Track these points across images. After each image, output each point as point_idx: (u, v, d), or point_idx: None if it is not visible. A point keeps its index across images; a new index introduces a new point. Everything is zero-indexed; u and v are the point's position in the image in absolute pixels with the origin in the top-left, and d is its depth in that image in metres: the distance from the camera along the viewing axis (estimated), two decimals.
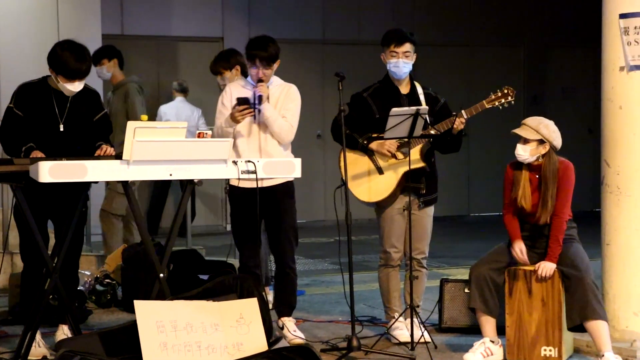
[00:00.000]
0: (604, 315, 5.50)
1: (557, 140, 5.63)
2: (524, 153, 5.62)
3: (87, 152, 5.71)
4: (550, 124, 5.65)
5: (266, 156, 5.88)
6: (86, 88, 5.82)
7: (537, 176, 5.67)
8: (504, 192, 5.80)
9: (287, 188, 6.08)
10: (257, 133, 6.00)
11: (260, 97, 5.90)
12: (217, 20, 12.69)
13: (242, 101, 5.84)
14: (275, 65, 6.01)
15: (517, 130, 5.62)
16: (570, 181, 5.68)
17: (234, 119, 5.85)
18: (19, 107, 5.67)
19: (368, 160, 6.12)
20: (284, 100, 6.03)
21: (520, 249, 5.68)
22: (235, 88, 6.08)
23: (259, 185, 5.62)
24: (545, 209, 5.63)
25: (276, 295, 6.26)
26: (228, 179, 6.00)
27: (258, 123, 5.97)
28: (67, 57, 5.56)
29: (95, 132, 5.84)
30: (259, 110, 5.90)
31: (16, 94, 5.73)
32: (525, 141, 5.61)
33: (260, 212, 5.86)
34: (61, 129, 5.72)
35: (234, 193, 6.04)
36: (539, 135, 5.59)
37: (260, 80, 5.94)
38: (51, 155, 5.47)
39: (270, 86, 6.04)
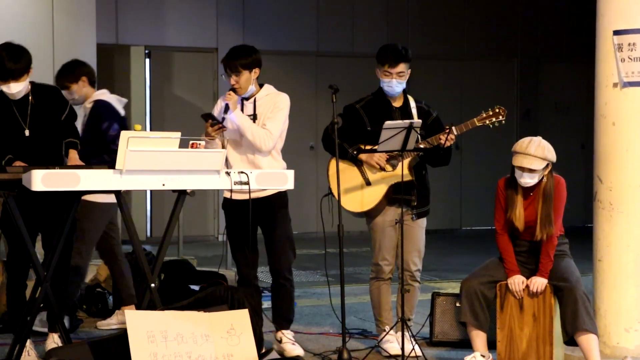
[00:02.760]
0: (594, 328, 5.50)
1: (555, 157, 5.62)
2: (532, 180, 5.59)
3: (57, 157, 5.70)
4: (547, 143, 5.60)
5: (254, 167, 5.84)
6: (44, 86, 5.77)
7: (531, 194, 5.66)
8: (496, 212, 5.77)
9: (280, 198, 6.03)
10: (241, 145, 5.96)
11: (226, 105, 5.88)
12: (212, 30, 12.70)
13: (206, 117, 5.83)
14: (252, 74, 5.92)
15: (526, 164, 5.51)
16: (562, 196, 5.69)
17: (207, 135, 5.82)
18: None
19: (357, 171, 6.13)
20: (270, 109, 5.98)
21: (518, 283, 5.65)
22: (222, 99, 6.06)
23: (254, 197, 5.67)
24: (544, 227, 5.60)
25: (273, 308, 6.17)
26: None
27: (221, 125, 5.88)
28: (1, 57, 5.47)
29: (64, 131, 5.79)
30: (224, 119, 5.85)
31: None
32: (532, 170, 5.58)
33: (255, 222, 5.86)
34: (27, 134, 5.67)
35: (227, 205, 6.02)
36: (546, 162, 5.56)
37: (233, 89, 5.91)
38: (21, 160, 5.52)
39: (259, 95, 5.99)
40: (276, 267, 6.08)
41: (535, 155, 5.52)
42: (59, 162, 5.69)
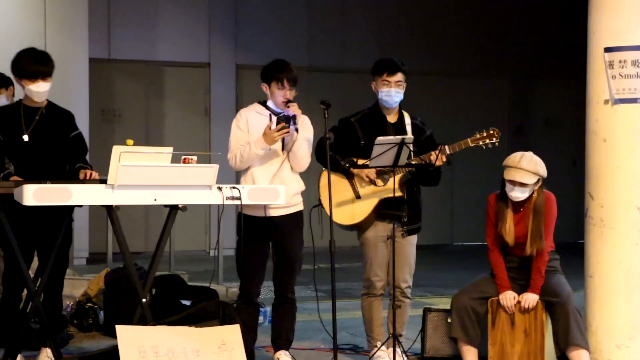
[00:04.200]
0: (586, 344, 5.51)
1: (546, 172, 5.65)
2: (523, 195, 5.61)
3: (58, 171, 5.74)
4: (538, 159, 5.64)
5: (280, 183, 5.78)
6: (59, 107, 5.93)
7: (521, 209, 5.68)
8: (487, 227, 5.79)
9: (297, 218, 5.97)
10: (273, 159, 5.88)
11: (294, 116, 5.77)
12: (204, 45, 12.72)
13: (283, 119, 5.70)
14: None
15: (518, 178, 5.54)
16: (552, 212, 5.70)
17: (271, 139, 5.71)
18: None
19: (347, 184, 6.13)
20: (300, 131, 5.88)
21: (510, 299, 5.65)
22: (250, 113, 5.94)
23: (270, 215, 5.74)
24: (534, 241, 5.62)
25: (273, 327, 6.09)
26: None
27: (282, 148, 5.86)
28: (26, 57, 5.73)
29: (70, 151, 5.86)
30: (297, 130, 5.77)
31: None
32: (523, 184, 5.59)
33: (269, 240, 5.85)
34: (25, 139, 5.74)
35: (241, 221, 5.88)
36: (537, 177, 5.59)
37: (289, 101, 5.84)
38: (19, 166, 5.61)
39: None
40: (282, 286, 6.01)
41: (527, 169, 5.54)
42: (58, 175, 5.71)
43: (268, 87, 5.89)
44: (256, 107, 5.98)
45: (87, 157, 5.99)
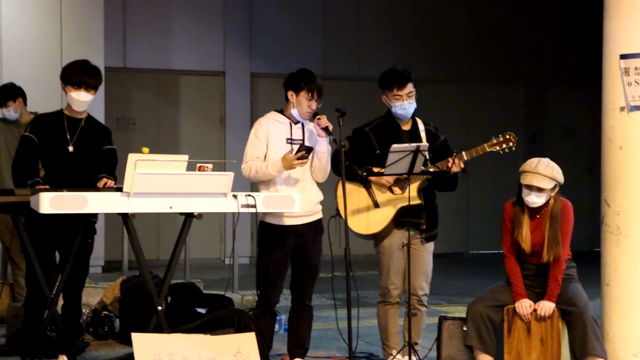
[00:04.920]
0: (604, 353, 5.48)
1: (562, 178, 5.63)
2: (539, 200, 5.59)
3: (93, 182, 5.85)
4: (555, 165, 5.63)
5: (302, 192, 5.79)
6: (98, 122, 6.11)
7: (537, 216, 5.66)
8: (504, 235, 5.77)
9: (319, 226, 5.99)
10: (300, 174, 5.87)
11: (326, 128, 5.77)
12: (219, 54, 12.75)
13: (304, 149, 5.67)
14: None
15: (535, 182, 5.52)
16: (569, 220, 5.68)
17: (289, 165, 5.68)
18: (33, 132, 5.88)
19: (365, 193, 6.12)
20: (314, 142, 5.89)
21: (526, 307, 5.64)
22: (270, 122, 5.91)
23: (294, 223, 5.76)
24: (551, 248, 5.60)
25: (290, 334, 6.08)
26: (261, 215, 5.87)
27: (311, 164, 5.86)
28: (75, 66, 5.91)
29: (101, 163, 5.94)
30: (335, 140, 5.76)
31: (31, 122, 6.00)
32: (540, 189, 5.58)
33: (290, 249, 5.86)
34: (70, 150, 5.86)
35: (263, 229, 5.91)
36: (554, 182, 5.57)
37: (316, 114, 5.84)
38: (60, 176, 5.71)
39: (307, 121, 5.94)
40: (300, 293, 6.01)
41: (544, 174, 5.53)
42: (93, 186, 5.81)
43: (295, 95, 5.84)
44: (274, 115, 5.95)
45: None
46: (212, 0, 12.67)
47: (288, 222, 5.77)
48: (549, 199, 5.62)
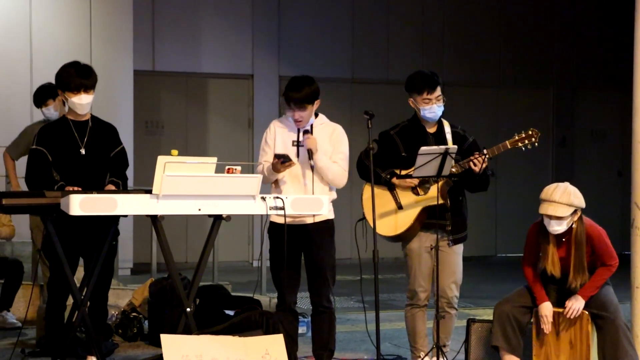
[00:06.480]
0: (636, 357, 5.44)
1: (583, 202, 5.56)
2: (560, 228, 5.53)
3: (104, 182, 5.88)
4: (573, 188, 5.54)
5: (306, 193, 5.82)
6: (103, 121, 6.06)
7: (563, 239, 5.60)
8: (526, 251, 5.74)
9: (326, 226, 5.97)
10: (303, 174, 5.90)
11: (309, 151, 5.79)
12: (247, 57, 12.78)
13: (280, 157, 5.75)
14: (314, 106, 5.89)
15: (551, 211, 5.46)
16: (597, 235, 5.57)
17: (276, 170, 5.78)
18: (41, 144, 5.84)
19: (389, 195, 6.11)
20: (332, 143, 5.93)
21: (546, 314, 5.60)
22: (280, 124, 5.98)
23: (298, 223, 5.74)
24: (578, 274, 5.53)
25: (314, 337, 6.09)
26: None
27: (311, 167, 5.86)
28: (69, 70, 5.85)
29: (111, 165, 5.96)
30: (309, 151, 5.81)
31: (38, 134, 5.94)
32: (559, 217, 5.51)
33: (300, 248, 5.87)
34: (82, 152, 5.87)
35: (273, 229, 5.94)
36: (573, 208, 5.51)
37: (305, 132, 5.87)
38: (74, 179, 5.71)
39: (314, 124, 5.96)
40: (317, 296, 6.01)
41: (559, 202, 5.45)
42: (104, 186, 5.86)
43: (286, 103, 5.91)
44: (286, 117, 6.00)
45: (131, 170, 6.06)
46: (241, 4, 12.70)
47: (290, 221, 5.70)
48: (572, 224, 5.55)
